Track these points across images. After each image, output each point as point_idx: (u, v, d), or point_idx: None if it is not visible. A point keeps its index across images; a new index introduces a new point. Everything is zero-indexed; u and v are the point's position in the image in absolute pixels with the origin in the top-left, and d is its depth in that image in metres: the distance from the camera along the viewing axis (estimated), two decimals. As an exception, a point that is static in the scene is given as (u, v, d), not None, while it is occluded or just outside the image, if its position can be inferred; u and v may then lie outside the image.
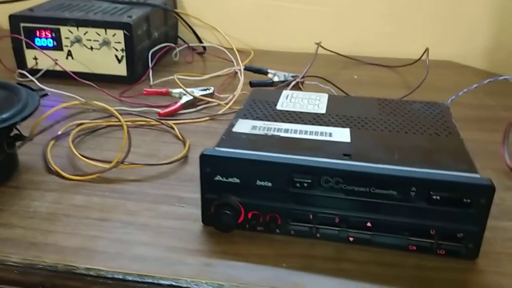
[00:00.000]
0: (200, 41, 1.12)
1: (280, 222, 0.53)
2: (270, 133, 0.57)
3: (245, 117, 0.62)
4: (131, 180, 0.63)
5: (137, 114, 0.79)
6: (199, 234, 0.54)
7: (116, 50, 0.91)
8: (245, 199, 0.53)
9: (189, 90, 0.84)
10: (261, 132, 0.58)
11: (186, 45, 1.07)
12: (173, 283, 0.47)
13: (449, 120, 0.63)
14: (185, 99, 0.83)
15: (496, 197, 0.54)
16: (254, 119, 0.61)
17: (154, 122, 0.78)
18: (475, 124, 0.81)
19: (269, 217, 0.53)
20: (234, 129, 0.59)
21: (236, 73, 0.97)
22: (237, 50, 1.02)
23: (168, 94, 0.85)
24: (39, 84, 0.87)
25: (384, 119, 0.62)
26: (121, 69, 0.92)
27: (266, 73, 0.94)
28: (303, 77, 0.90)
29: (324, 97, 0.69)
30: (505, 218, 0.58)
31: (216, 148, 0.53)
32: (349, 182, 0.50)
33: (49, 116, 0.69)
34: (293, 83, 0.88)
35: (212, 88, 0.86)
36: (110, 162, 0.63)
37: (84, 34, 0.91)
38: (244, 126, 0.59)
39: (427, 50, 0.99)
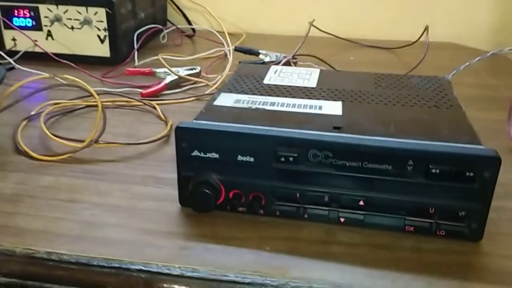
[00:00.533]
0: (189, 23, 1.07)
1: (264, 202, 0.48)
2: (255, 106, 0.53)
3: (228, 91, 0.57)
4: (106, 160, 0.58)
5: (118, 94, 0.74)
6: (175, 215, 0.49)
7: (98, 29, 0.87)
8: (225, 176, 0.48)
9: (174, 69, 0.79)
10: (245, 105, 0.53)
11: (174, 27, 1.02)
12: (143, 268, 0.42)
13: (450, 94, 0.58)
14: (169, 79, 0.78)
15: (501, 176, 0.50)
16: (238, 93, 0.56)
17: (135, 103, 0.73)
18: (478, 103, 0.76)
19: (252, 197, 0.48)
20: (216, 103, 0.54)
21: (226, 54, 0.92)
22: (229, 33, 0.97)
23: (152, 74, 0.80)
24: (9, 59, 0.82)
25: (379, 92, 0.57)
26: (104, 50, 0.88)
27: (257, 53, 0.90)
28: (295, 56, 0.85)
29: (316, 72, 0.65)
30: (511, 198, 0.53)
31: (194, 121, 0.48)
32: (340, 156, 0.45)
33: (25, 96, 0.64)
34: (284, 60, 0.83)
35: (199, 67, 0.81)
36: (83, 141, 0.58)
37: (64, 12, 0.87)
38: (226, 99, 0.54)
39: (427, 28, 0.94)
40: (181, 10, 1.08)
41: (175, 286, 0.41)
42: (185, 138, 0.47)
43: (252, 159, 0.47)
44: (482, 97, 0.80)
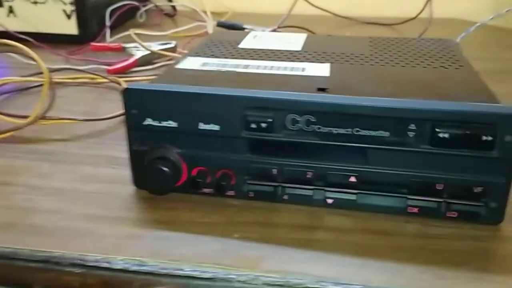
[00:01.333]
0: (169, 0, 0.98)
1: (234, 181, 0.39)
2: (225, 69, 0.44)
3: (196, 55, 0.48)
4: (55, 139, 0.50)
5: (81, 71, 0.65)
6: (126, 199, 0.40)
7: (64, 3, 0.78)
8: (186, 150, 0.39)
9: (146, 44, 0.70)
10: (213, 68, 0.44)
11: (153, 5, 0.94)
12: (78, 261, 0.33)
13: (459, 54, 0.49)
14: (140, 54, 0.69)
15: None
16: (207, 57, 0.48)
17: (100, 80, 0.64)
18: (489, 75, 0.67)
19: (220, 175, 0.39)
20: (178, 66, 0.45)
21: (207, 32, 0.83)
22: (214, 12, 0.88)
23: (121, 50, 0.72)
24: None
25: (376, 54, 0.49)
26: (71, 27, 0.79)
27: (241, 29, 0.81)
28: (280, 27, 0.76)
29: (302, 37, 0.56)
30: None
31: (147, 83, 0.40)
32: (325, 122, 0.37)
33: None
34: (269, 30, 0.74)
35: (174, 42, 0.73)
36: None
37: (27, -15, 0.78)
38: (192, 63, 0.46)
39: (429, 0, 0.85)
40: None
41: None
42: (135, 102, 0.39)
43: (217, 128, 0.38)
44: (494, 70, 0.70)
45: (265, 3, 1.00)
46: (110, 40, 0.79)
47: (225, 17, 0.93)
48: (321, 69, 0.44)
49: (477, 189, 0.36)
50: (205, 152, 0.39)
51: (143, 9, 0.91)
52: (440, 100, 0.36)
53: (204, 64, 0.45)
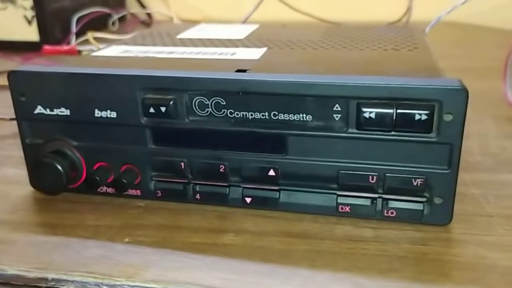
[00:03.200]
0: (143, 7, 0.94)
1: (140, 178, 0.34)
2: (144, 55, 0.38)
3: (123, 43, 0.43)
4: (-32, 140, 0.45)
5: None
6: (18, 200, 0.35)
7: (25, 9, 0.74)
8: (83, 142, 0.34)
9: (102, 46, 0.65)
10: (131, 55, 0.39)
11: (125, 13, 0.90)
12: None
13: (419, 39, 0.43)
14: (94, 56, 0.64)
15: (494, 145, 0.36)
16: (135, 45, 0.42)
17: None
18: (474, 72, 0.61)
19: (124, 171, 0.34)
20: (95, 54, 0.40)
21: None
22: (191, 20, 0.84)
23: (75, 52, 0.67)
24: None
25: (325, 40, 0.43)
26: (32, 33, 0.75)
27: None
28: (245, 21, 0.71)
29: (252, 27, 0.50)
30: (504, 170, 0.37)
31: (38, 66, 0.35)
32: (237, 105, 0.31)
33: None
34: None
35: (133, 44, 0.68)
36: None
37: (-14, -9, 0.74)
38: (112, 51, 0.40)
39: (409, 8, 0.79)
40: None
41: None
42: (24, 87, 0.33)
43: (114, 115, 0.33)
44: (480, 67, 0.64)
45: (242, 10, 0.95)
46: (72, 45, 0.74)
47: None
48: (253, 54, 0.38)
49: (417, 182, 0.29)
50: (104, 145, 0.34)
51: (115, 16, 0.87)
52: (366, 75, 0.30)
53: (125, 51, 0.40)
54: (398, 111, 0.28)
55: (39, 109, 0.34)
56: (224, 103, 0.31)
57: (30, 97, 0.33)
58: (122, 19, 0.90)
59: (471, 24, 0.90)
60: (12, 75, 0.33)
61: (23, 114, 0.34)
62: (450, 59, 0.46)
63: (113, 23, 0.88)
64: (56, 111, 0.33)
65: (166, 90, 0.31)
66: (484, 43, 0.77)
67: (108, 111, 0.33)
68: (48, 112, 0.33)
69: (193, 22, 0.85)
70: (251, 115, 0.31)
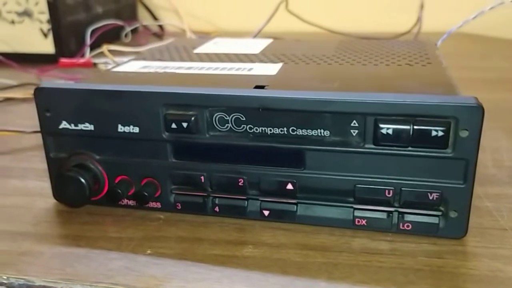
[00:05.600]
0: (155, 19, 0.95)
1: (160, 190, 0.35)
2: (164, 70, 0.39)
3: (141, 59, 0.44)
4: (-10, 153, 0.46)
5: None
6: (41, 212, 0.36)
7: (41, 22, 0.76)
8: (106, 156, 0.35)
9: (118, 59, 0.67)
10: (151, 70, 0.40)
11: (138, 25, 0.91)
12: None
13: (431, 53, 0.43)
14: (109, 69, 0.66)
15: (507, 158, 0.38)
16: (153, 60, 0.43)
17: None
18: (485, 84, 0.62)
19: (145, 184, 0.35)
20: (115, 69, 0.41)
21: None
22: (202, 32, 0.85)
23: (91, 65, 0.68)
24: None
25: (339, 55, 0.44)
26: (48, 46, 0.77)
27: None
28: (257, 35, 0.72)
29: (266, 42, 0.51)
30: (517, 183, 0.38)
31: (64, 82, 0.36)
32: (256, 120, 0.32)
33: None
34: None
35: (147, 57, 0.69)
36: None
37: (4, 5, 0.76)
38: (132, 66, 0.41)
39: (419, 18, 0.79)
40: (147, 7, 0.96)
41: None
42: (49, 104, 0.34)
43: (137, 130, 0.34)
44: (492, 79, 0.65)
45: (253, 21, 0.96)
46: (87, 57, 0.76)
47: (212, 36, 0.90)
48: (270, 69, 0.39)
49: (433, 196, 0.30)
50: (126, 159, 0.35)
51: (128, 29, 0.89)
52: (384, 92, 0.30)
53: (144, 67, 0.41)
54: (415, 127, 0.29)
55: (63, 124, 0.35)
56: (244, 119, 0.32)
57: (55, 112, 0.34)
58: (134, 31, 0.92)
59: (482, 35, 0.90)
60: (38, 92, 0.34)
61: (48, 129, 0.35)
62: (460, 70, 0.47)
63: (125, 35, 0.89)
64: (80, 126, 0.34)
65: (188, 107, 0.32)
66: (494, 55, 0.78)
67: (131, 126, 0.33)
68: (72, 127, 0.34)
69: (205, 34, 0.87)
70: (270, 130, 0.32)
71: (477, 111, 0.28)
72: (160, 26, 0.94)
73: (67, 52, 0.77)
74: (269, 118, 0.31)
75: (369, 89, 0.32)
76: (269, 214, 0.33)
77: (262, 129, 0.32)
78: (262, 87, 0.34)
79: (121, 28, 0.88)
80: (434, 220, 0.31)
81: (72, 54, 0.77)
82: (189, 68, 0.40)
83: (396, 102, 0.29)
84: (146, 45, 0.79)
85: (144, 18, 0.99)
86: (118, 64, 0.43)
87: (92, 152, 0.35)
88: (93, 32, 0.82)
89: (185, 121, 0.32)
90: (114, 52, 0.70)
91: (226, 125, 0.32)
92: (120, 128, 0.34)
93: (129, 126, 0.34)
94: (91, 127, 0.34)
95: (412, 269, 0.28)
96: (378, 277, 0.28)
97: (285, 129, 0.32)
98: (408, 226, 0.31)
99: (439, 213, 0.31)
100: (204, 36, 0.82)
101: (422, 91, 0.31)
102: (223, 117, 0.32)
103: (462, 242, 0.31)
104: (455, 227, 0.31)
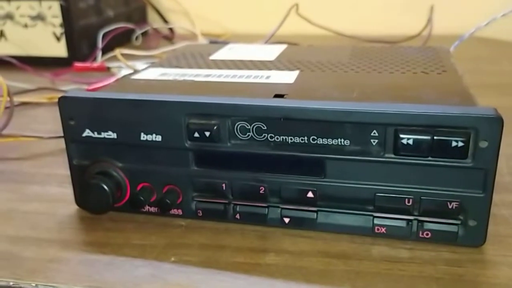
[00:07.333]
0: (166, 22, 0.96)
1: (181, 198, 0.35)
2: (183, 78, 0.40)
3: (159, 66, 0.45)
4: (10, 158, 0.47)
5: (58, 90, 0.63)
6: (64, 219, 0.36)
7: (54, 26, 0.77)
8: (128, 164, 0.35)
9: (131, 63, 0.67)
10: (170, 78, 0.40)
11: (149, 28, 0.92)
12: (-12, 288, 0.29)
13: (445, 61, 0.44)
14: (123, 73, 0.66)
15: None
16: (170, 67, 0.44)
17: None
18: (497, 89, 0.62)
19: (167, 191, 0.35)
20: (134, 77, 0.42)
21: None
22: (212, 34, 0.86)
23: (105, 69, 0.69)
24: None
25: (353, 62, 0.44)
26: (60, 49, 0.77)
27: (235, 48, 0.77)
28: (268, 40, 0.72)
29: (281, 48, 0.52)
30: (532, 190, 0.38)
31: (86, 91, 0.36)
32: (277, 129, 0.32)
33: None
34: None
35: (160, 61, 0.70)
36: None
37: (17, 8, 0.77)
38: (150, 74, 0.42)
39: (429, 20, 0.80)
40: (157, 10, 0.97)
41: (27, 312, 0.28)
42: (72, 112, 0.35)
43: (159, 138, 0.34)
44: (502, 83, 0.65)
45: (263, 24, 0.97)
46: (100, 61, 0.76)
47: (222, 38, 0.91)
48: (287, 77, 0.40)
49: (452, 205, 0.31)
50: (148, 166, 0.35)
51: (139, 32, 0.89)
52: (404, 103, 0.31)
53: (163, 74, 0.42)
54: (435, 138, 0.29)
55: (87, 133, 0.35)
56: (265, 128, 0.32)
57: (78, 121, 0.35)
58: (144, 34, 0.92)
59: (494, 39, 0.91)
60: (62, 101, 0.35)
61: (71, 137, 0.36)
62: (473, 74, 0.47)
63: (136, 38, 0.90)
64: (103, 134, 0.35)
65: (210, 116, 0.33)
66: (506, 59, 0.78)
67: (154, 135, 0.34)
68: (95, 135, 0.35)
69: (215, 37, 0.88)
70: (291, 139, 0.32)
71: (496, 122, 0.28)
72: (170, 29, 0.95)
73: (80, 55, 0.78)
74: (290, 127, 0.32)
75: (388, 99, 0.33)
76: (289, 222, 0.34)
77: (283, 138, 0.33)
78: (281, 95, 0.34)
79: (131, 31, 0.89)
80: (453, 228, 0.31)
81: (84, 57, 0.78)
82: (207, 75, 0.41)
83: (417, 113, 0.29)
84: (157, 48, 0.79)
85: (154, 21, 0.99)
86: (136, 71, 0.44)
87: (115, 159, 0.36)
88: (104, 35, 0.82)
89: (207, 130, 0.33)
90: (126, 56, 0.71)
91: (248, 134, 0.33)
92: (143, 137, 0.34)
93: (151, 134, 0.34)
94: (114, 135, 0.35)
95: (433, 278, 0.29)
96: (400, 285, 0.28)
97: (305, 138, 0.32)
98: (427, 234, 0.32)
99: (458, 221, 0.31)
100: (215, 40, 0.83)
101: (441, 101, 0.32)
102: (244, 126, 0.33)
103: (481, 251, 0.31)
104: (474, 236, 0.31)
